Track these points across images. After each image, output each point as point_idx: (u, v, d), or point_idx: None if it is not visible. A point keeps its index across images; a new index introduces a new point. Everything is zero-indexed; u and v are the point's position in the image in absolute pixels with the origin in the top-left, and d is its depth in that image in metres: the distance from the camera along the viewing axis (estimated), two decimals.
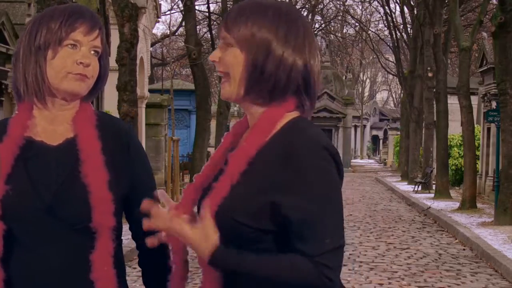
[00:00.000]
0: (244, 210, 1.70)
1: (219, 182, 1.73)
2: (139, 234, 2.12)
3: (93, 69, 1.99)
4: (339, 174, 1.72)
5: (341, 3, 39.79)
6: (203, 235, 1.68)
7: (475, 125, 19.17)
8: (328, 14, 40.80)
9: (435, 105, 21.49)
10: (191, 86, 26.92)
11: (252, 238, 1.71)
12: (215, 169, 1.85)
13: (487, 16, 21.98)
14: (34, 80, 1.96)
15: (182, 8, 22.76)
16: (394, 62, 35.41)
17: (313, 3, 35.67)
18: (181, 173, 21.15)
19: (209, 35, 27.24)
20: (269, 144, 1.74)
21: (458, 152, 23.78)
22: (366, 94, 69.39)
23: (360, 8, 47.17)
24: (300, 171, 1.67)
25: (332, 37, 45.22)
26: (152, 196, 2.11)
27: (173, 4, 39.78)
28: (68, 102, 2.01)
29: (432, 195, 20.42)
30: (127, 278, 2.15)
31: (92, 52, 1.99)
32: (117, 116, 10.32)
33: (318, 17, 41.07)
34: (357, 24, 41.78)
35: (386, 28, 37.98)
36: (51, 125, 2.02)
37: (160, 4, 21.33)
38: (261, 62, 1.75)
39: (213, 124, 21.65)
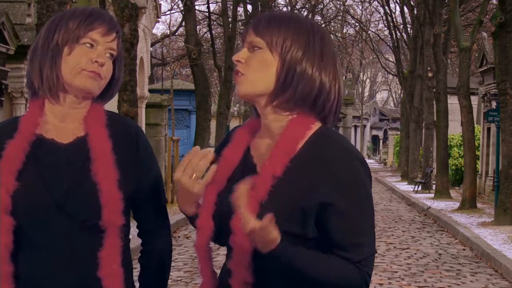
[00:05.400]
0: (289, 216, 1.71)
1: (256, 188, 1.71)
2: (144, 232, 2.14)
3: (107, 70, 2.02)
4: (369, 179, 1.81)
5: (341, 3, 39.74)
6: (268, 226, 1.62)
7: (475, 125, 19.17)
8: (328, 14, 40.73)
9: (435, 105, 21.49)
10: (191, 86, 26.90)
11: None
12: (231, 167, 1.85)
13: (487, 16, 21.98)
14: (49, 75, 1.99)
15: (182, 8, 22.74)
16: (394, 62, 35.37)
17: (313, 3, 35.61)
18: None
19: (209, 35, 27.22)
20: (302, 151, 1.77)
21: (458, 152, 23.77)
22: (366, 94, 69.37)
23: (360, 8, 47.19)
24: (337, 183, 1.72)
25: (332, 37, 45.18)
26: (157, 195, 2.12)
27: (173, 4, 39.75)
28: (79, 100, 2.03)
29: (432, 195, 20.42)
30: None
31: (108, 54, 2.01)
32: None
33: (318, 17, 41.01)
34: (357, 24, 41.73)
35: (386, 28, 37.97)
36: (62, 123, 2.04)
37: (160, 4, 21.28)
38: (292, 69, 1.78)
39: (213, 124, 21.64)
